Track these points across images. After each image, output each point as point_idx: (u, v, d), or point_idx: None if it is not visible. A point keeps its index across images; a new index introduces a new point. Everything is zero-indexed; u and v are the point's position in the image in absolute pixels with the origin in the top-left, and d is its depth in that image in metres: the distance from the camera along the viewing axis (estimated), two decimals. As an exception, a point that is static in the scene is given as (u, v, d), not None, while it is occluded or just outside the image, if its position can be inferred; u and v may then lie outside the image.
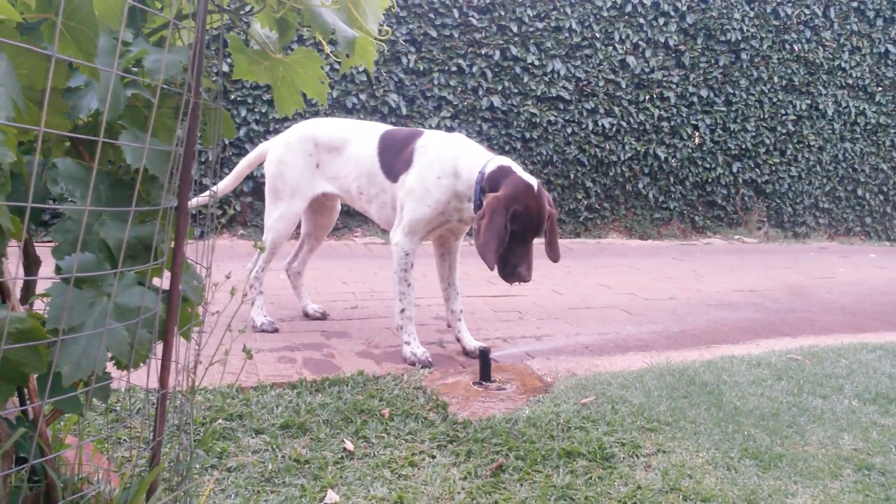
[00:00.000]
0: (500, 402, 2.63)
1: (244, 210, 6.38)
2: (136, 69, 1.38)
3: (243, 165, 3.55)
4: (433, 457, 2.18)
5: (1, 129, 0.77)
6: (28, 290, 1.35)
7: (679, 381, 2.80)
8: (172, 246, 1.37)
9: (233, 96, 6.21)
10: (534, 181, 2.80)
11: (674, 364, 3.04)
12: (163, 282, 1.38)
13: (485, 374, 2.81)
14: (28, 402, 1.10)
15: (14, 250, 1.30)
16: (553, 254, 2.96)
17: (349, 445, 2.22)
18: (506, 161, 2.88)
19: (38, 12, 0.92)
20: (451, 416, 2.46)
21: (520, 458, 2.17)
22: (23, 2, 0.91)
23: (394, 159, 3.06)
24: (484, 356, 2.84)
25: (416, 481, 2.02)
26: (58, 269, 1.19)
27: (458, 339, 3.23)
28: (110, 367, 1.37)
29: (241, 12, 1.27)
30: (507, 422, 2.42)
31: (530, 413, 2.49)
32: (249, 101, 6.29)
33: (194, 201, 1.87)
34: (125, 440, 2.17)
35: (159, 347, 1.40)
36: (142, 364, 1.39)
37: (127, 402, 2.39)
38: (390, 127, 3.31)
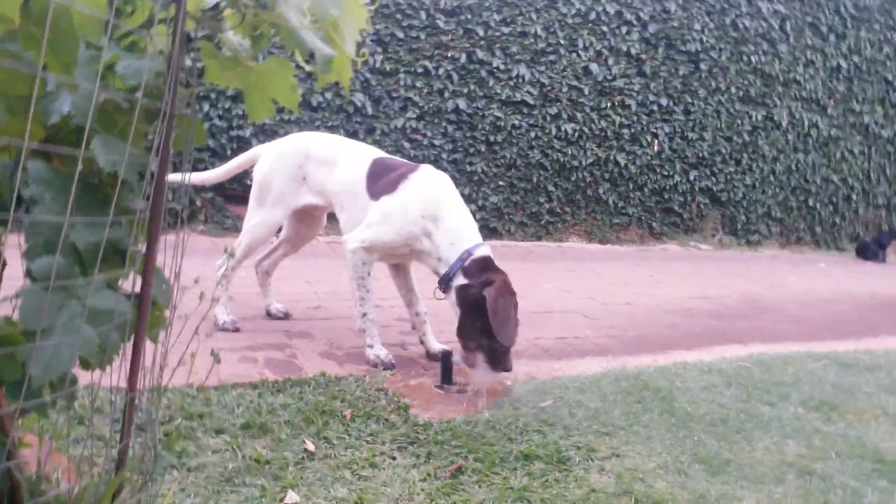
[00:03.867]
0: (460, 405, 2.68)
1: (205, 206, 6.32)
2: (107, 73, 1.39)
3: (233, 165, 3.56)
4: (394, 458, 2.22)
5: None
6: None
7: (634, 386, 2.88)
8: (144, 250, 1.39)
9: (197, 90, 6.14)
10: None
11: (629, 369, 3.13)
12: (133, 285, 1.39)
13: (447, 377, 2.86)
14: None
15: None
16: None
17: (310, 446, 2.24)
18: (489, 251, 2.92)
19: (20, 23, 0.93)
20: (413, 418, 2.49)
21: (478, 461, 2.22)
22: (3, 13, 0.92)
23: (379, 181, 3.08)
24: (446, 359, 2.88)
25: (376, 482, 2.06)
26: (29, 272, 1.20)
27: (423, 342, 3.26)
28: (74, 368, 1.37)
29: (218, 28, 1.29)
30: (467, 424, 2.46)
31: (490, 416, 2.54)
32: (213, 96, 6.23)
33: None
34: (84, 438, 2.16)
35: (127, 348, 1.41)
36: (110, 364, 1.40)
37: (86, 400, 2.37)
38: (384, 154, 3.33)
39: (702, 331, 4.16)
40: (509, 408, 2.63)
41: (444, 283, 2.91)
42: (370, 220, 3.03)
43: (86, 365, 1.39)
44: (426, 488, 2.05)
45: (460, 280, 2.85)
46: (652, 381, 2.96)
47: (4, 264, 1.39)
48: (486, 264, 2.85)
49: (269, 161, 3.33)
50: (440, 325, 3.77)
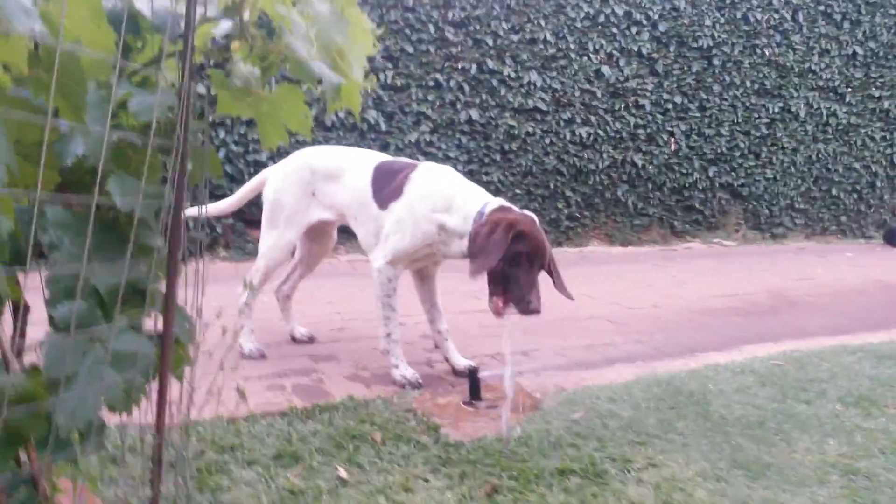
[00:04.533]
0: (490, 422, 2.65)
1: (226, 232, 6.36)
2: (120, 110, 1.39)
3: (244, 190, 3.57)
4: (427, 480, 2.19)
5: (-2, 200, 0.78)
6: (20, 339, 1.35)
7: (666, 391, 2.83)
8: (163, 288, 1.38)
9: (211, 118, 6.19)
10: (535, 218, 2.84)
11: (660, 374, 3.08)
12: (155, 324, 1.39)
13: (474, 394, 2.83)
14: (24, 454, 1.10)
15: None
16: (565, 291, 2.91)
17: (343, 473, 2.22)
18: (506, 202, 2.89)
19: (29, 69, 0.93)
20: (443, 438, 2.47)
21: (513, 479, 2.18)
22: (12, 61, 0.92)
23: (385, 188, 3.07)
24: (473, 375, 2.85)
25: (411, 506, 2.03)
26: (51, 320, 1.19)
27: (447, 359, 3.24)
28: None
29: (227, 59, 1.28)
30: (499, 441, 2.43)
31: (521, 431, 2.51)
32: (228, 122, 6.28)
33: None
34: (116, 479, 2.15)
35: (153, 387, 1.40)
36: (137, 405, 1.39)
37: (118, 440, 2.37)
38: (386, 157, 3.32)
39: (731, 330, 4.09)
40: (541, 422, 2.59)
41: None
42: (386, 233, 3.03)
43: (112, 409, 1.39)
44: (461, 509, 2.02)
45: None
46: (684, 386, 2.90)
47: (27, 309, 1.39)
48: (500, 211, 2.80)
49: (277, 182, 3.34)
50: (465, 339, 3.74)
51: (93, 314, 1.25)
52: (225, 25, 1.45)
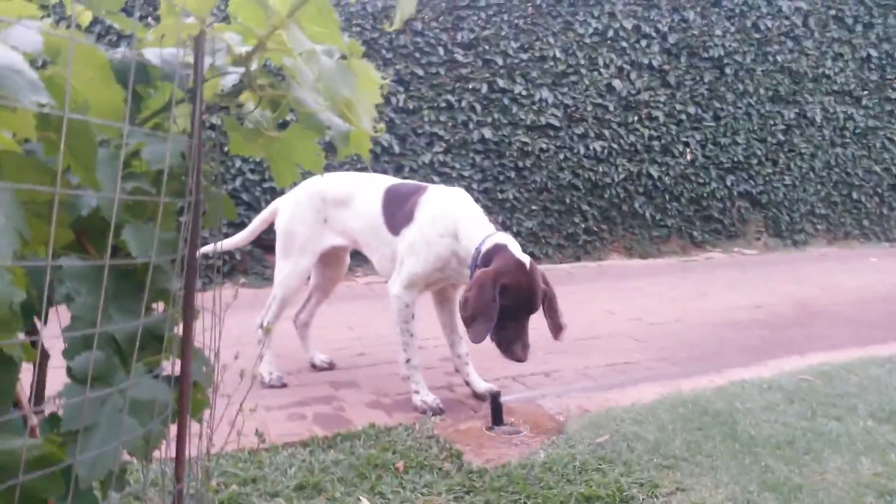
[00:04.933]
0: (514, 447, 2.62)
1: (244, 259, 6.40)
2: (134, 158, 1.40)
3: (257, 222, 3.60)
4: (451, 509, 2.17)
5: (8, 270, 0.78)
6: (40, 388, 1.35)
7: (692, 412, 2.79)
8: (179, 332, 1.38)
9: (226, 147, 6.24)
10: (526, 259, 2.78)
11: (685, 393, 3.03)
12: (172, 367, 1.39)
13: (497, 419, 2.80)
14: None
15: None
16: (555, 332, 2.89)
17: (365, 503, 2.21)
18: (503, 238, 2.85)
19: (39, 130, 0.93)
20: (467, 465, 2.45)
21: (538, 506, 2.16)
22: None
23: (396, 213, 3.08)
24: (495, 400, 2.83)
25: (436, 537, 2.01)
26: (69, 371, 1.20)
27: (468, 383, 3.22)
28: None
29: (237, 108, 1.29)
30: (523, 467, 2.40)
31: (546, 457, 2.48)
32: (220, 245, 6.33)
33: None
34: (141, 514, 2.15)
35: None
36: (157, 449, 1.39)
37: (140, 475, 2.37)
38: (395, 180, 3.33)
39: (756, 344, 4.03)
40: (564, 446, 2.56)
41: None
42: (400, 258, 3.03)
43: (132, 454, 1.39)
44: (487, 540, 1.99)
45: None
46: (711, 405, 2.86)
47: (47, 357, 1.40)
48: (491, 254, 2.79)
49: (288, 211, 3.36)
50: (485, 362, 3.72)
51: (111, 363, 1.25)
52: (233, 77, 1.46)
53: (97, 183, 1.04)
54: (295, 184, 3.46)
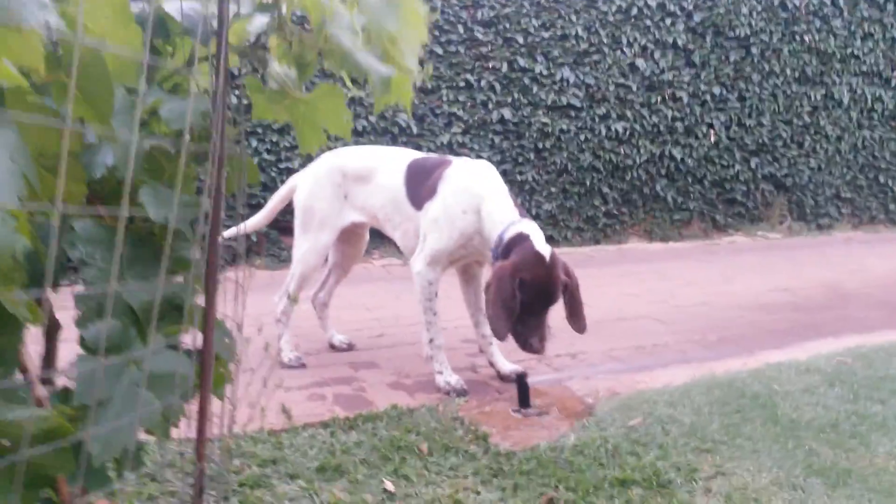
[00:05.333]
0: (542, 430, 2.53)
1: (260, 241, 6.33)
2: (152, 118, 1.31)
3: (275, 200, 3.50)
4: (478, 493, 2.09)
5: (11, 214, 0.69)
6: (49, 360, 1.27)
7: (728, 394, 2.68)
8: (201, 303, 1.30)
9: (245, 125, 6.17)
10: (547, 250, 2.68)
11: (719, 376, 2.93)
12: (193, 340, 1.30)
13: (523, 400, 2.71)
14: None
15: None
16: (576, 325, 2.82)
17: (389, 486, 2.13)
18: (526, 227, 2.74)
19: (47, 73, 0.84)
20: (493, 448, 2.36)
21: (570, 490, 2.07)
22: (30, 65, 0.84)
23: (419, 187, 2.98)
24: (521, 381, 2.74)
25: (463, 521, 1.93)
26: (82, 341, 1.11)
27: (492, 364, 3.13)
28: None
29: (264, 59, 1.19)
30: (553, 450, 2.32)
31: (576, 440, 2.39)
32: (259, 131, 6.25)
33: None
34: (156, 496, 2.09)
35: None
36: (176, 426, 1.31)
37: (157, 455, 2.31)
38: (418, 154, 3.23)
39: (787, 326, 3.91)
40: (595, 429, 2.46)
41: None
42: (423, 233, 2.94)
43: (150, 433, 1.31)
44: (517, 524, 1.91)
45: None
46: (747, 388, 2.75)
47: (58, 327, 1.32)
48: (512, 244, 2.71)
49: (307, 186, 3.26)
50: (508, 344, 3.62)
51: (126, 333, 1.17)
52: (260, 21, 1.36)
53: (113, 129, 0.94)
54: (311, 158, 3.37)
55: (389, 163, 3.14)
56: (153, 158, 1.34)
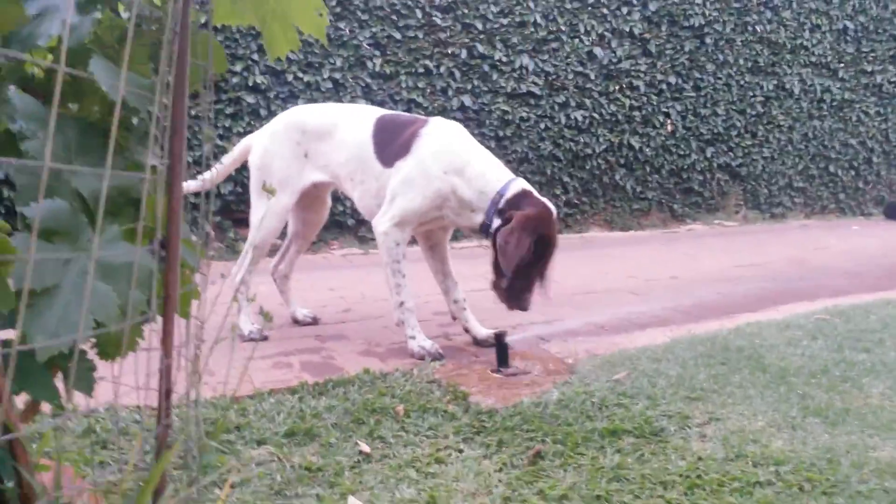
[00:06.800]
0: (524, 388, 2.41)
1: (212, 232, 6.09)
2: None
3: (228, 160, 3.26)
4: (461, 451, 1.96)
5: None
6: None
7: (712, 349, 2.61)
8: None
9: (193, 111, 5.93)
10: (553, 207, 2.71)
11: (701, 334, 2.86)
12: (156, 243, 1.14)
13: (502, 360, 2.59)
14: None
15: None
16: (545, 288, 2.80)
17: (365, 448, 1.98)
18: (525, 184, 2.76)
19: None
20: (474, 407, 2.23)
21: (558, 443, 1.96)
22: None
23: (389, 144, 2.83)
24: (500, 341, 2.61)
25: (446, 478, 1.80)
26: (23, 219, 0.95)
27: (467, 329, 3.00)
28: (94, 357, 1.12)
29: None
30: (537, 406, 2.20)
31: (560, 395, 2.27)
32: (210, 115, 6.02)
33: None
34: (109, 463, 1.90)
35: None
36: (133, 350, 1.14)
37: (108, 424, 2.11)
38: (386, 111, 3.08)
39: (760, 293, 3.88)
40: (579, 384, 2.35)
41: (485, 231, 2.73)
42: (392, 192, 2.79)
43: (105, 353, 1.14)
44: (504, 478, 1.79)
45: (497, 223, 2.68)
46: (731, 342, 2.68)
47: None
48: (518, 200, 2.67)
49: (263, 145, 3.07)
50: (481, 314, 3.49)
51: (76, 219, 1.01)
52: None
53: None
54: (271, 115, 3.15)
55: (355, 117, 2.98)
56: (101, 39, 1.18)
